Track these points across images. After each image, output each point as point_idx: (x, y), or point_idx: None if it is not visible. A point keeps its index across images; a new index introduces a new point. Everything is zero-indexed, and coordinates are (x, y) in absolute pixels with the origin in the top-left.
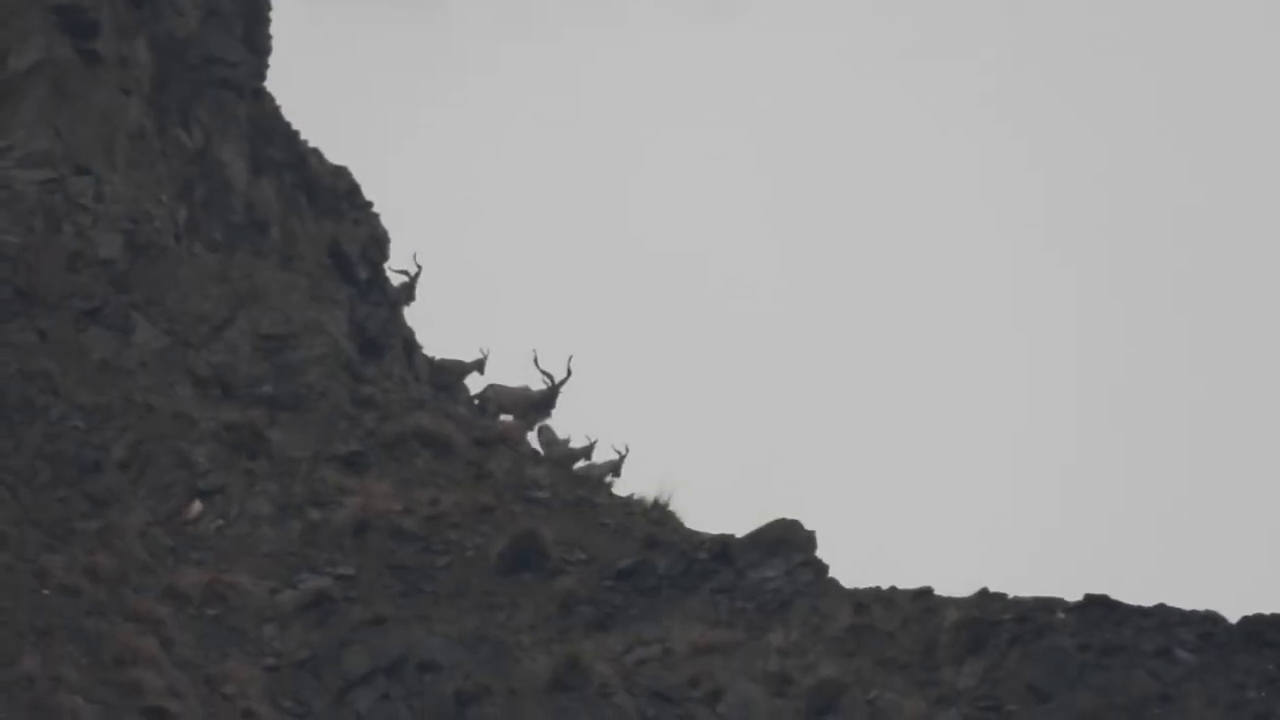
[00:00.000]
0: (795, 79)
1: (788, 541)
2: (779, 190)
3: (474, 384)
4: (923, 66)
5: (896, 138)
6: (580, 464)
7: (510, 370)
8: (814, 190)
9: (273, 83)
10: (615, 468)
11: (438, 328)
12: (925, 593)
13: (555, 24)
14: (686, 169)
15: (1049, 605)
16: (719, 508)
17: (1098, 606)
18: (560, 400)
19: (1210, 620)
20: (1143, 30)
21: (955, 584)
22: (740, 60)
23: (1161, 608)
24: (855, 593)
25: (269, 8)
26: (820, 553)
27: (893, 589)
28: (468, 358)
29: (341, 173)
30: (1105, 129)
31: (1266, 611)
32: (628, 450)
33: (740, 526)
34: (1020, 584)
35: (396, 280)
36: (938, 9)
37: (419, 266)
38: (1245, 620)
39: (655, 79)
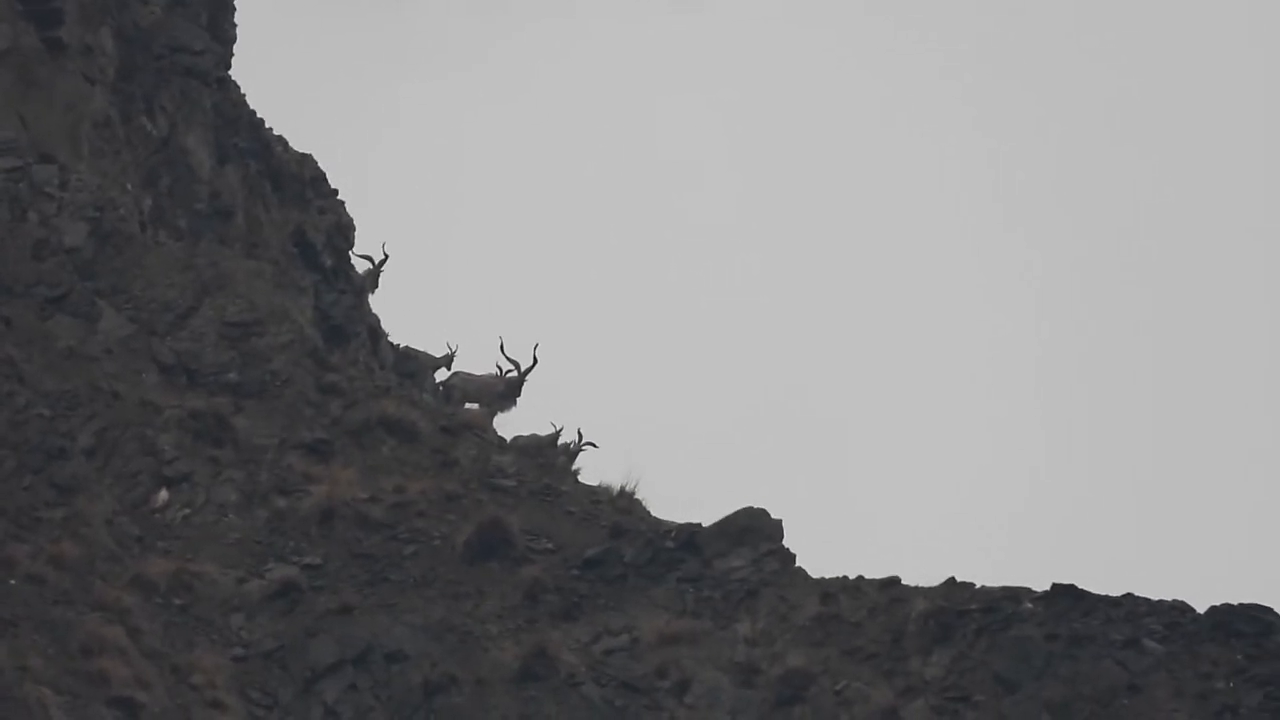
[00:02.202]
0: (764, 67)
1: (755, 530)
2: (746, 178)
3: (440, 371)
4: (890, 52)
5: (867, 124)
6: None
7: (476, 358)
8: (782, 178)
9: (237, 71)
10: (572, 452)
11: (403, 315)
12: (892, 582)
13: (521, 13)
14: (653, 156)
15: (1016, 595)
16: (686, 496)
17: (1065, 596)
18: (526, 388)
19: (1178, 610)
20: (1107, 24)
21: (922, 574)
22: (709, 49)
23: (1129, 597)
24: (822, 582)
25: None
26: (787, 542)
27: (860, 578)
28: (434, 345)
29: (306, 160)
30: (1072, 116)
31: (1234, 601)
32: (582, 438)
33: (707, 515)
34: (987, 574)
35: (361, 267)
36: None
37: (385, 255)
38: (1213, 610)
39: (622, 68)
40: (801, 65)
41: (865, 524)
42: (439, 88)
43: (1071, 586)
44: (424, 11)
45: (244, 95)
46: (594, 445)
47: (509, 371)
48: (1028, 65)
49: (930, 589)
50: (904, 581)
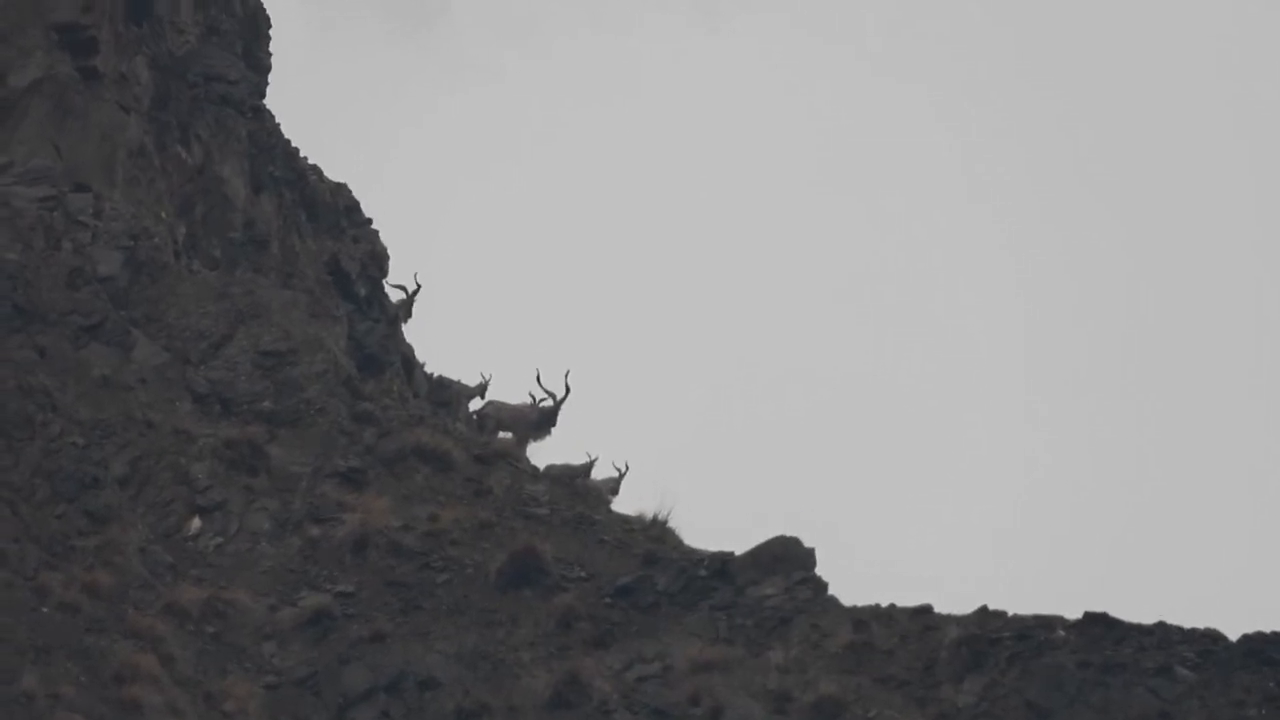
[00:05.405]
0: (788, 83)
1: (787, 559)
2: (773, 201)
3: (474, 400)
4: (901, 71)
5: (884, 139)
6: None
7: (510, 387)
8: (810, 200)
9: (272, 100)
10: (614, 485)
11: (437, 344)
12: (925, 610)
13: (552, 37)
14: (688, 183)
15: (1049, 623)
16: (718, 524)
17: (1098, 624)
18: (560, 417)
19: (1210, 638)
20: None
21: (955, 601)
22: (738, 68)
23: (1162, 625)
24: (855, 610)
25: (268, 25)
26: (820, 570)
27: (892, 606)
28: (468, 375)
29: (341, 189)
30: (1100, 127)
31: (1267, 629)
32: (627, 468)
33: (740, 543)
34: (1020, 601)
35: (394, 296)
36: (917, 19)
37: (419, 285)
38: (1245, 638)
39: (656, 89)
40: (820, 78)
41: (898, 552)
42: (471, 118)
43: (1104, 614)
44: (457, 38)
45: (278, 124)
46: (625, 469)
47: (543, 400)
48: (1036, 67)
49: (962, 617)
50: (936, 609)
